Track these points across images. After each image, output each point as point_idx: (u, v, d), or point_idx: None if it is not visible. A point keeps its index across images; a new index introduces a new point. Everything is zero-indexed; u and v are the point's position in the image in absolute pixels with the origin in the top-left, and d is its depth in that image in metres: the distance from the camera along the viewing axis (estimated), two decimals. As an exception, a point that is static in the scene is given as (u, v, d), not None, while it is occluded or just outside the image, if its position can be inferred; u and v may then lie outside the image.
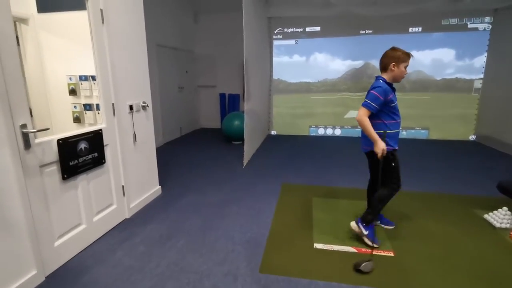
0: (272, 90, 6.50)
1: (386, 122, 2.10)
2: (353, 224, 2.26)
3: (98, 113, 2.83)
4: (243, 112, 5.07)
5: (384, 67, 2.13)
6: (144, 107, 2.85)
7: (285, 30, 6.18)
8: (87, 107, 2.84)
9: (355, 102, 6.12)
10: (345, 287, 1.77)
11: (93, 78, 2.66)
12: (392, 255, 2.08)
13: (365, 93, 2.15)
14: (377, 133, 2.06)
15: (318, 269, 1.94)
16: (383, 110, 2.08)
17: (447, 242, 2.24)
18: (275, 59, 6.35)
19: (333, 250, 2.15)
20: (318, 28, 6.01)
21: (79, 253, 2.12)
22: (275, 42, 6.27)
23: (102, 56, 2.31)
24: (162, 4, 5.38)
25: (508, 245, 2.21)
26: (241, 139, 5.15)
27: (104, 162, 2.34)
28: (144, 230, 2.46)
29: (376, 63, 5.27)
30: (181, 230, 2.47)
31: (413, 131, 6.02)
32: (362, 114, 2.07)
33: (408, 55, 2.08)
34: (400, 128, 2.18)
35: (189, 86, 6.71)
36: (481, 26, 5.45)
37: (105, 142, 2.34)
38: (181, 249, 2.19)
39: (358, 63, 6.04)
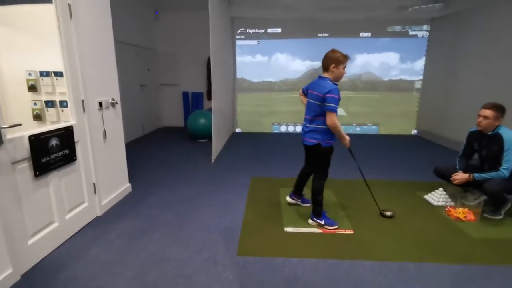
0: (236, 89, 6.65)
1: None
2: (310, 221, 2.52)
3: (62, 110, 2.74)
4: (208, 110, 5.13)
5: (325, 68, 2.25)
6: (113, 104, 2.83)
7: (247, 31, 6.36)
8: (49, 104, 2.72)
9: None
10: (315, 261, 2.01)
11: (56, 74, 2.57)
12: (352, 232, 2.38)
13: None
14: (323, 128, 2.26)
15: (290, 249, 2.15)
16: None
17: (396, 219, 2.61)
18: (238, 59, 6.51)
19: (302, 232, 2.38)
20: (279, 30, 6.29)
21: (53, 251, 2.09)
22: (238, 42, 6.42)
23: (70, 51, 2.27)
24: (123, 1, 5.23)
25: (444, 219, 2.64)
26: (207, 137, 5.21)
27: (75, 159, 2.31)
28: (118, 226, 2.47)
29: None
30: (156, 224, 2.52)
31: (365, 127, 6.59)
32: (335, 119, 2.16)
33: (346, 57, 2.20)
34: None
35: (151, 84, 6.58)
36: (420, 33, 6.16)
37: (75, 139, 2.31)
38: (158, 241, 2.26)
39: (316, 64, 6.44)
